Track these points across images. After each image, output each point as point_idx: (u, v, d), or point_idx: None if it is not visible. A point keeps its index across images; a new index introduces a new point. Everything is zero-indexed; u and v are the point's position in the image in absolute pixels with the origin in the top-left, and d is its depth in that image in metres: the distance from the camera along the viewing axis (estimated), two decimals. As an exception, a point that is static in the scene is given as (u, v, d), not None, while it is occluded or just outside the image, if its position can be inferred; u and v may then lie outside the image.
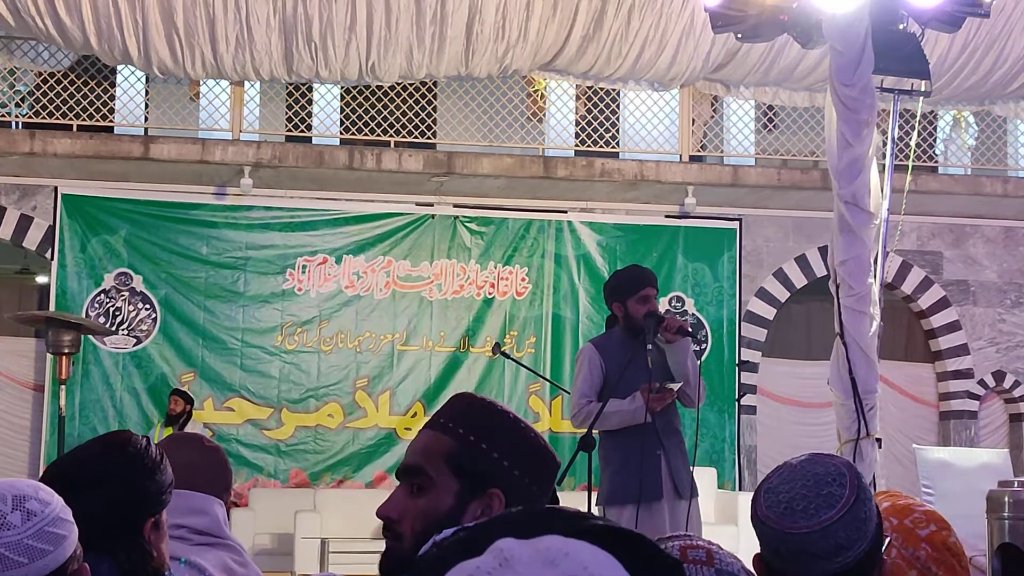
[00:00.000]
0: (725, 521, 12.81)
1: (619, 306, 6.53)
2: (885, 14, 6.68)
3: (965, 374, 15.34)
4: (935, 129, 15.55)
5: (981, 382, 15.37)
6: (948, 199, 14.74)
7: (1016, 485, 5.18)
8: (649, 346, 6.25)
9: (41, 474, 2.64)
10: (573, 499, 6.95)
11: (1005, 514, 4.98)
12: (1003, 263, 15.57)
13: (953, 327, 15.41)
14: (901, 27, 6.82)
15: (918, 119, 9.21)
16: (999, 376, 15.43)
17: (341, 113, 14.68)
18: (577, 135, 14.74)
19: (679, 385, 6.36)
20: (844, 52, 6.55)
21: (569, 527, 1.20)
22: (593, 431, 5.98)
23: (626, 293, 6.50)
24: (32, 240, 13.77)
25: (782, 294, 15.06)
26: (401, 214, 14.36)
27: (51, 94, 13.77)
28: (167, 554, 2.80)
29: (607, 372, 6.48)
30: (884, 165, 7.18)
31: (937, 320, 15.42)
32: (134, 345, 13.75)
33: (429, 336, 14.27)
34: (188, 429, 12.70)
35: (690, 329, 6.53)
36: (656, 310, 6.44)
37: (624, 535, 1.22)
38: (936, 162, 15.48)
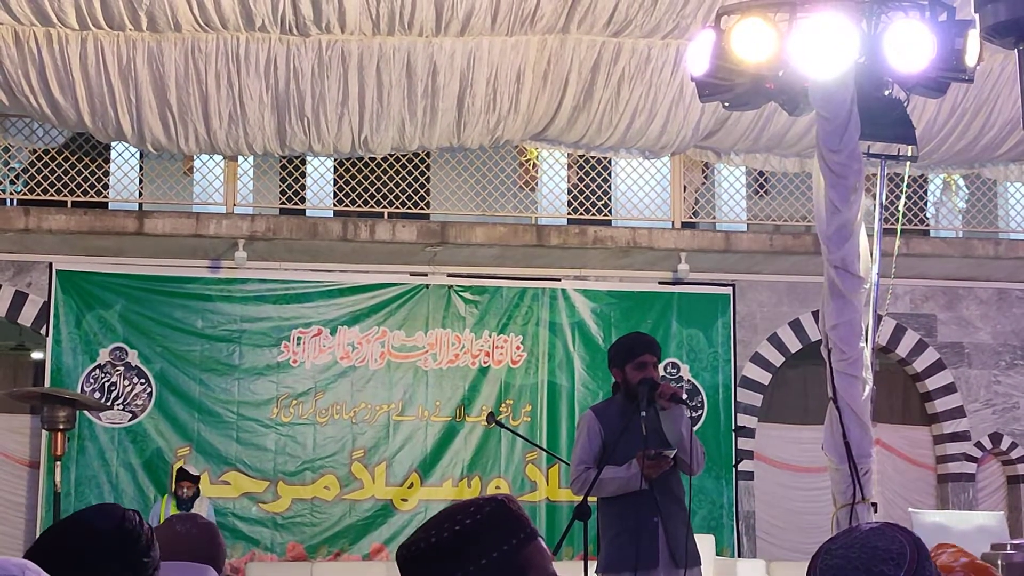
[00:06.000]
0: (724, 588, 12.74)
1: (618, 372, 6.57)
2: (870, 81, 6.75)
3: (962, 436, 15.32)
4: (926, 192, 15.63)
5: (978, 444, 15.35)
6: (940, 262, 14.79)
7: (1009, 548, 5.18)
8: (643, 412, 6.26)
9: (33, 545, 2.58)
10: (570, 568, 6.92)
11: (997, 577, 5.00)
12: (997, 325, 15.59)
13: (949, 389, 15.41)
14: (887, 93, 6.89)
15: (905, 183, 9.28)
16: (996, 438, 15.40)
17: (334, 185, 14.75)
18: (569, 203, 14.81)
19: (674, 452, 6.36)
20: (831, 119, 6.61)
21: None
22: (589, 499, 5.96)
23: (624, 359, 6.53)
24: (27, 316, 13.79)
25: (777, 359, 15.07)
26: (395, 284, 14.39)
27: (45, 171, 13.84)
28: None
29: (605, 438, 6.48)
30: (873, 229, 7.22)
31: (932, 383, 15.41)
32: (129, 420, 13.72)
33: (425, 406, 14.25)
34: (198, 506, 12.56)
35: (684, 396, 6.53)
36: (653, 377, 6.44)
37: None
38: (927, 225, 15.55)
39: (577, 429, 6.77)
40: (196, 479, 12.94)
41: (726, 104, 7.27)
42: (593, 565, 6.48)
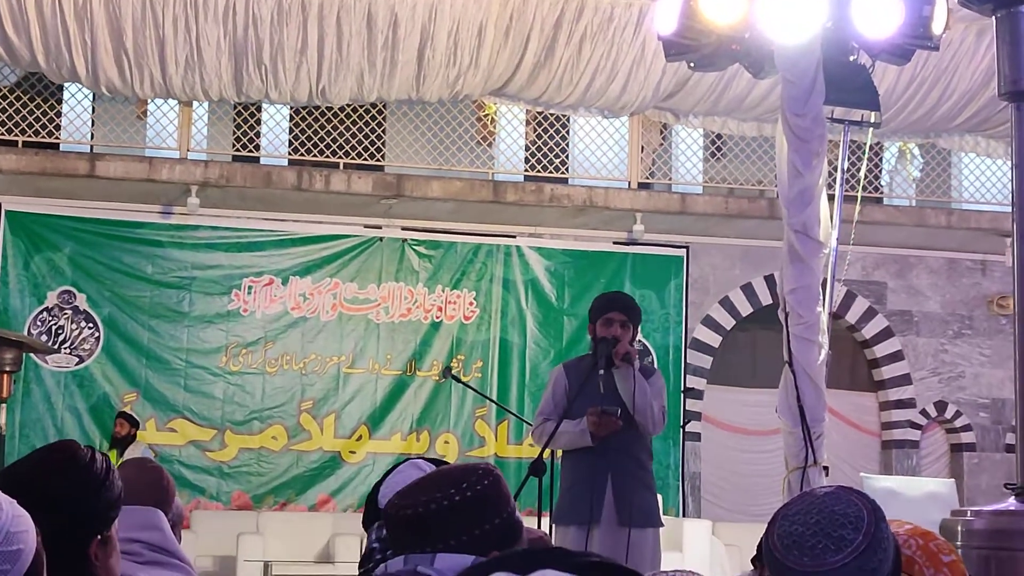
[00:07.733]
0: (670, 548, 12.80)
1: (591, 328, 6.61)
2: (836, 46, 6.72)
3: (907, 404, 15.47)
4: (881, 160, 15.70)
5: (923, 412, 15.50)
6: (893, 230, 14.88)
7: (969, 515, 5.25)
8: (601, 371, 6.28)
9: None
10: (524, 522, 6.91)
11: (957, 543, 5.03)
12: (946, 294, 15.72)
13: (896, 357, 15.53)
14: (852, 59, 6.87)
15: (867, 150, 9.30)
16: (940, 406, 15.56)
17: (290, 133, 14.62)
18: (527, 160, 14.77)
19: (618, 410, 6.37)
20: (796, 82, 6.59)
21: (563, 563, 1.25)
22: (544, 456, 5.98)
23: (597, 315, 6.57)
24: (-25, 257, 13.62)
25: (728, 322, 15.13)
26: (349, 236, 14.31)
27: (-3, 110, 13.65)
28: (117, 572, 2.66)
29: (570, 392, 6.51)
30: (833, 195, 7.23)
31: (880, 350, 15.54)
32: (76, 364, 13.61)
33: (375, 359, 14.21)
34: (132, 450, 12.61)
35: (636, 357, 6.54)
36: (616, 336, 6.44)
37: (613, 569, 1.26)
38: (881, 193, 15.62)
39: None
40: (135, 423, 12.96)
41: (691, 64, 7.23)
42: (547, 520, 6.51)
